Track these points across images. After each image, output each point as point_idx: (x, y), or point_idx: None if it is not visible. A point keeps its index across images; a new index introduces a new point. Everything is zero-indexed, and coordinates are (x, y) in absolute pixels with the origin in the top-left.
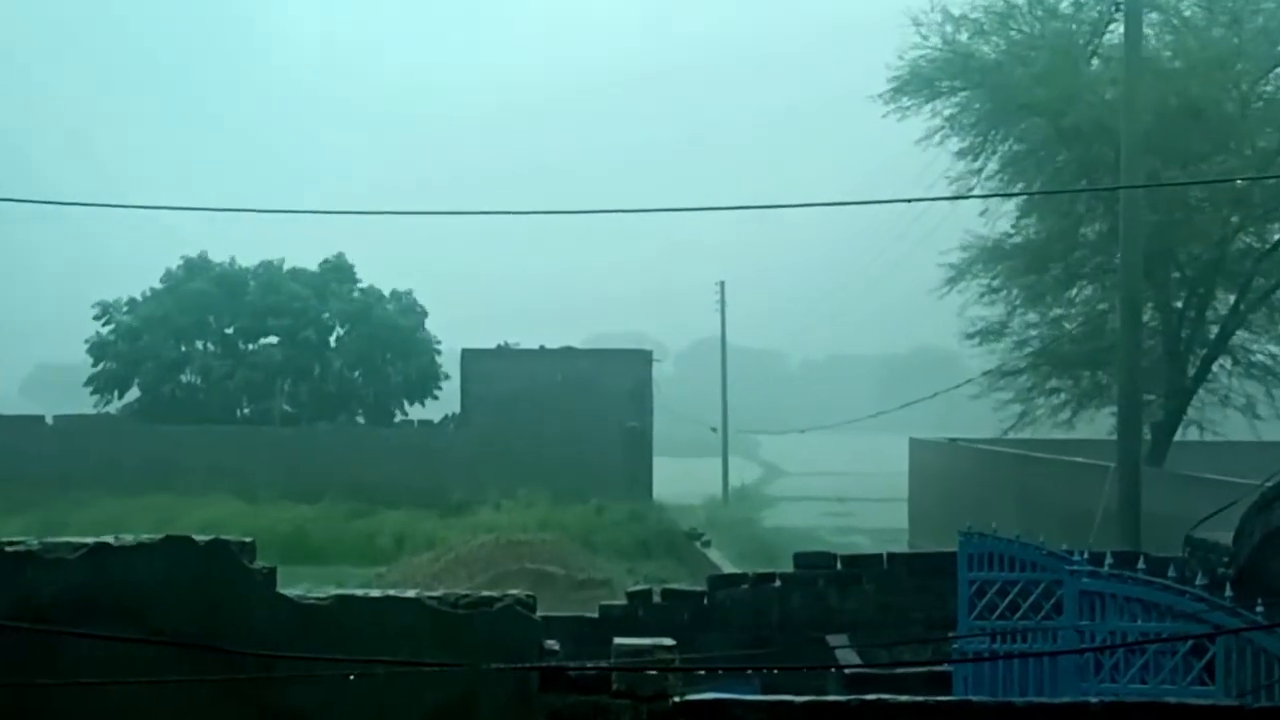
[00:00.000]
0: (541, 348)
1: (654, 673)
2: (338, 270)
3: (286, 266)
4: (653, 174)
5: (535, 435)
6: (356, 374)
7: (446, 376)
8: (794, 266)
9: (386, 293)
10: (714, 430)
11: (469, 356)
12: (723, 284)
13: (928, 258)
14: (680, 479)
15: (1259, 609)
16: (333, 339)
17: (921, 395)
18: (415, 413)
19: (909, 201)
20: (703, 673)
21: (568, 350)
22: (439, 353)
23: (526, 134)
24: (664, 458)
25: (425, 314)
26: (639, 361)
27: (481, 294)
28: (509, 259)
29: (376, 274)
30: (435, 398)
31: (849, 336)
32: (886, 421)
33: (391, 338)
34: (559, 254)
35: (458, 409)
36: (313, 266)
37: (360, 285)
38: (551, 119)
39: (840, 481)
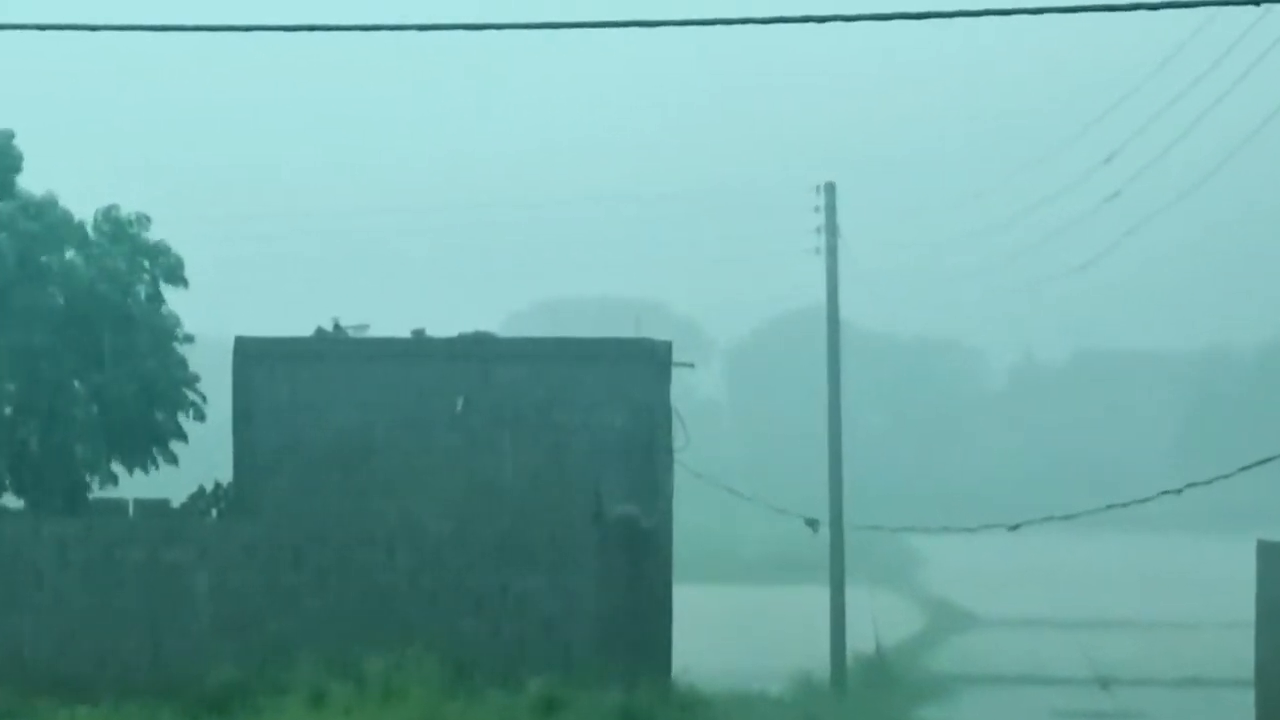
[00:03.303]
0: (419, 335)
1: None
2: None
3: None
4: None
5: (407, 535)
6: (5, 397)
7: (200, 414)
8: (988, 166)
9: (87, 211)
10: (812, 524)
11: (250, 355)
12: (830, 188)
13: None
14: (737, 633)
15: None
16: None
17: None
18: (136, 484)
19: (1256, 3)
20: None
21: (479, 342)
22: (187, 339)
23: None
24: (699, 585)
25: (176, 260)
26: (644, 367)
27: (268, 215)
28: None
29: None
30: (185, 437)
31: (1117, 314)
32: (1202, 503)
33: (89, 310)
34: (458, 126)
35: (228, 474)
36: None
37: (27, 199)
38: None
39: (1100, 637)
